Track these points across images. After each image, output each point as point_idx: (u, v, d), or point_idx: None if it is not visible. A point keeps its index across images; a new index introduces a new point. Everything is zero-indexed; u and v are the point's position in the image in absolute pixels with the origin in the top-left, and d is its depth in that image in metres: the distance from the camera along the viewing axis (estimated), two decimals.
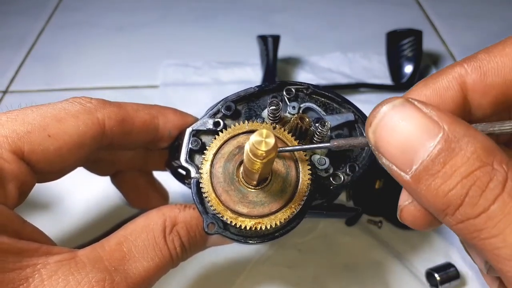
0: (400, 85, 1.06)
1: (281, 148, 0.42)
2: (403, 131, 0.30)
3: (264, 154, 0.33)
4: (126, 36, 1.27)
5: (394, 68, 1.10)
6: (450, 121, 0.29)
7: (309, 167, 0.43)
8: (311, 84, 0.51)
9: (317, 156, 0.47)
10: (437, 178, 0.29)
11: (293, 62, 1.16)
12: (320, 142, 0.46)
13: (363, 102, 1.02)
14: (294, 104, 0.50)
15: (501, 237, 0.27)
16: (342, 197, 0.81)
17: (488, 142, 0.29)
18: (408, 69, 1.06)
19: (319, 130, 0.45)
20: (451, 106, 0.37)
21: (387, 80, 1.10)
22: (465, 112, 0.38)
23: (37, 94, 1.08)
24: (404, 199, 0.37)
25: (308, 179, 0.43)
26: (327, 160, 0.47)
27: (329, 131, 0.45)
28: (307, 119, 0.47)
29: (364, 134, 0.34)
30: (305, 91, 0.51)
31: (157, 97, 1.06)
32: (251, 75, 1.12)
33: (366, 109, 0.51)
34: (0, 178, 0.42)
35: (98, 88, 1.10)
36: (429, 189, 0.29)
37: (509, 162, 0.28)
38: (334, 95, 0.51)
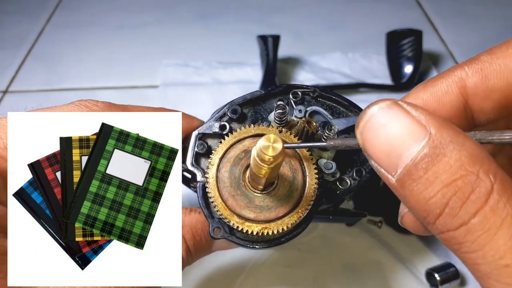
0: (400, 85, 1.06)
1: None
2: (387, 133, 0.29)
3: (271, 159, 0.33)
4: (126, 36, 1.27)
5: (394, 68, 1.10)
6: (438, 125, 0.28)
7: (316, 171, 0.43)
8: (318, 87, 0.50)
9: (323, 160, 0.46)
10: (419, 184, 0.28)
11: (293, 62, 1.16)
12: (317, 141, 0.45)
13: (363, 102, 1.01)
14: (301, 107, 0.49)
15: (480, 253, 0.26)
16: None
17: (476, 150, 0.27)
18: (408, 69, 1.06)
19: (326, 134, 0.45)
20: (449, 111, 0.36)
21: (387, 80, 1.10)
22: (467, 117, 0.36)
23: (37, 94, 1.08)
24: (405, 206, 0.37)
25: (315, 183, 0.43)
26: (334, 164, 0.46)
27: (336, 135, 0.45)
28: (314, 123, 0.46)
29: None
30: (311, 95, 0.50)
31: (157, 97, 1.06)
32: (251, 75, 1.12)
33: None
34: (2, 180, 0.42)
35: (98, 88, 1.10)
36: (412, 194, 0.28)
37: (498, 172, 0.27)
38: (340, 99, 0.50)
